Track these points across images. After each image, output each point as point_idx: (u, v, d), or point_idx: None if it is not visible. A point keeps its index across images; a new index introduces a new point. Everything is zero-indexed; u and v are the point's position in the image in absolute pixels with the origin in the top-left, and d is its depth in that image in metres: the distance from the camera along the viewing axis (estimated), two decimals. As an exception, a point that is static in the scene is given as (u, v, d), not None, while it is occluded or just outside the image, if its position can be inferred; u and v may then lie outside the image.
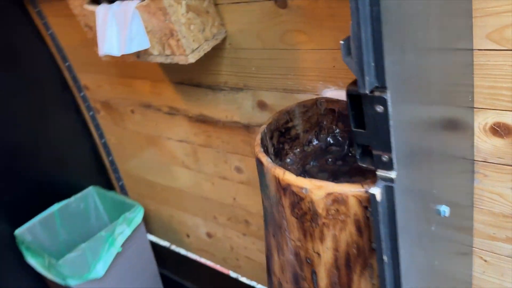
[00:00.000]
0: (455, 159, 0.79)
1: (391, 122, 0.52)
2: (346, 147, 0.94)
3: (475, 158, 0.84)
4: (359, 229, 0.64)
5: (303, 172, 0.91)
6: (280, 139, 0.91)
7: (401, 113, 0.54)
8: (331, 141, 0.95)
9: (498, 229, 0.89)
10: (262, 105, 1.11)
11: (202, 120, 1.30)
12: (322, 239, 0.66)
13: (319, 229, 0.66)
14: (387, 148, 0.54)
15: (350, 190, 0.61)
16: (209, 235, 1.60)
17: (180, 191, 1.58)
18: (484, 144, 0.81)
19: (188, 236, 1.71)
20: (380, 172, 0.56)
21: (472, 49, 0.74)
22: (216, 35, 1.03)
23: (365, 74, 0.48)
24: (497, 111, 0.77)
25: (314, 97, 0.99)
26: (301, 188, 0.64)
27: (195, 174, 1.47)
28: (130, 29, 0.96)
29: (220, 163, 1.35)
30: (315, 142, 0.95)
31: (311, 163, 0.93)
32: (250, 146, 1.23)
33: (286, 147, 0.92)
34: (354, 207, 0.62)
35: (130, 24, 0.96)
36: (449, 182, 0.77)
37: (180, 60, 0.99)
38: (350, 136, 0.93)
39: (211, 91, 1.21)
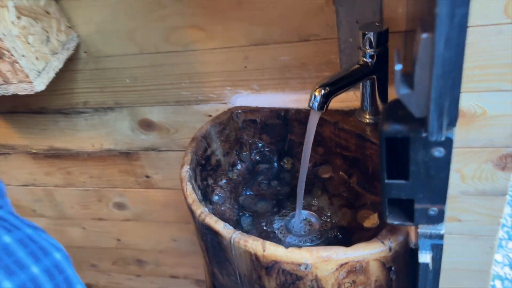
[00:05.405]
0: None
1: (451, 166, 0.36)
2: (275, 162, 0.76)
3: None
4: (381, 295, 0.48)
5: (240, 208, 0.70)
6: (203, 174, 0.68)
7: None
8: (258, 158, 0.76)
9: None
10: (146, 125, 0.85)
11: (55, 155, 0.96)
12: (331, 317, 0.49)
13: (328, 307, 0.48)
14: (441, 200, 0.38)
15: (371, 253, 0.45)
16: (89, 286, 1.27)
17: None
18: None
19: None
20: (425, 229, 0.41)
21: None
22: (66, 44, 0.71)
23: (444, 114, 0.31)
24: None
25: (221, 106, 0.78)
26: (299, 264, 0.45)
27: (55, 222, 1.11)
28: None
29: (91, 202, 1.04)
30: (239, 165, 0.75)
31: (244, 193, 0.73)
32: (134, 176, 0.95)
33: (210, 181, 0.70)
34: (375, 273, 0.46)
35: None
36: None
37: (20, 90, 0.65)
38: (278, 148, 0.76)
39: (63, 117, 0.88)
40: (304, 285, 0.47)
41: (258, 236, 0.65)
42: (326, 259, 0.44)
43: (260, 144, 0.76)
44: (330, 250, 0.45)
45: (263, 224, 0.68)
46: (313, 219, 0.67)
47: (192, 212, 0.55)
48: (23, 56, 0.62)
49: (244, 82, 0.74)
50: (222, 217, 0.67)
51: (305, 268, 0.45)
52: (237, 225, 0.68)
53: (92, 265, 1.20)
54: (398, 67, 0.30)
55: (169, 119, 0.83)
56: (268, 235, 0.66)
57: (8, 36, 0.59)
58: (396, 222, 0.41)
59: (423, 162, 0.36)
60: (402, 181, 0.38)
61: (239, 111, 0.73)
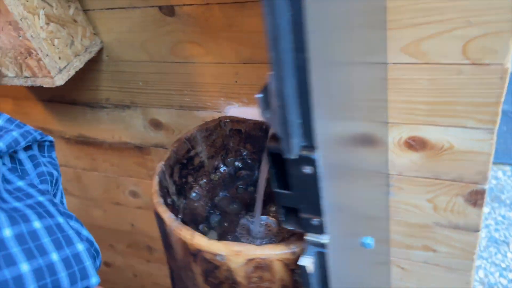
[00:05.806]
0: (371, 174, 0.73)
1: (322, 184, 0.42)
2: (256, 170, 0.84)
3: (390, 172, 0.79)
4: (288, 294, 0.54)
5: (213, 207, 0.78)
6: (182, 172, 0.77)
7: (330, 166, 0.44)
8: (240, 165, 0.84)
9: (415, 238, 0.87)
10: (156, 124, 0.96)
11: (83, 142, 1.10)
12: (246, 308, 0.56)
13: (242, 298, 0.55)
14: (318, 212, 0.44)
15: (275, 253, 0.51)
16: (106, 264, 1.41)
17: (67, 219, 1.36)
18: (399, 158, 0.76)
19: (82, 265, 1.50)
20: (310, 237, 0.47)
21: (387, 63, 0.67)
22: (89, 48, 0.84)
23: (291, 136, 0.37)
24: (412, 125, 0.72)
25: (216, 114, 0.87)
26: (216, 254, 0.52)
27: (82, 202, 1.26)
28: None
29: (111, 188, 1.17)
30: (222, 168, 0.83)
31: (220, 194, 0.81)
32: (145, 169, 1.07)
33: (190, 179, 0.79)
34: (280, 272, 0.52)
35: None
36: (365, 198, 0.71)
37: (45, 82, 0.79)
38: (260, 158, 0.83)
39: (90, 109, 1.02)
40: (220, 274, 0.54)
41: (220, 234, 0.73)
42: (237, 253, 0.51)
43: (244, 152, 0.83)
44: (241, 246, 0.51)
45: (228, 223, 0.75)
46: (273, 224, 0.74)
47: (153, 203, 0.64)
48: (47, 55, 0.75)
49: (235, 95, 0.82)
50: (193, 211, 0.76)
51: (221, 259, 0.52)
52: (205, 221, 0.76)
53: (110, 245, 1.34)
54: (259, 95, 0.37)
55: (173, 121, 0.93)
56: (229, 234, 0.73)
57: (35, 38, 0.73)
58: (290, 228, 0.47)
59: (297, 177, 0.42)
60: (287, 192, 0.44)
61: (227, 120, 0.82)
